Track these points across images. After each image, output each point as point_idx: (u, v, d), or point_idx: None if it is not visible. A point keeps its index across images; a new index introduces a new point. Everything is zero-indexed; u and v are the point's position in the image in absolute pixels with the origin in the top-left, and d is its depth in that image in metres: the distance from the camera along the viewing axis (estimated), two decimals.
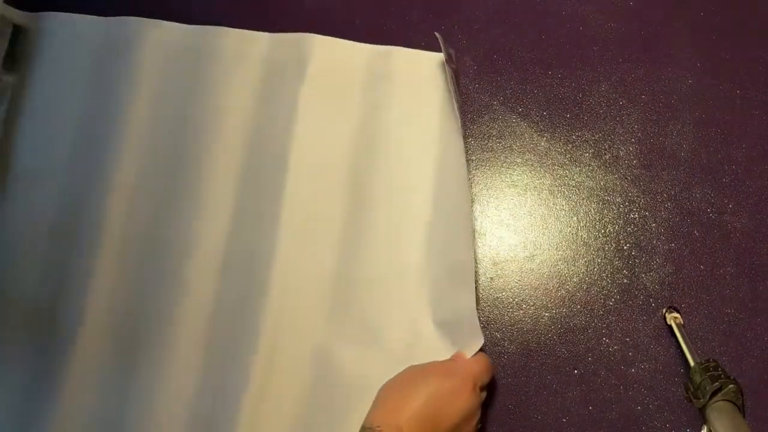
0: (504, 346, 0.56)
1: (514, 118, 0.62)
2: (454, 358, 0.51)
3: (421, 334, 0.54)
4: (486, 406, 0.51)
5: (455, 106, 0.57)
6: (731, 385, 0.47)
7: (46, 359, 0.54)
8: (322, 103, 0.61)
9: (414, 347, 0.54)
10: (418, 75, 0.62)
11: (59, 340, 0.54)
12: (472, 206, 0.59)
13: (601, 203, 0.60)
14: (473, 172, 0.61)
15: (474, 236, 0.59)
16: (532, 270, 0.58)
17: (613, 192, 0.60)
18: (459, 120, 0.57)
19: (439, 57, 0.61)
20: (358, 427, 0.46)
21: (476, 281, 0.57)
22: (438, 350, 0.53)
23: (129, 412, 0.53)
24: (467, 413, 0.47)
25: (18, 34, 0.62)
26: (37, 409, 0.53)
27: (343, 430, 0.52)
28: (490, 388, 0.53)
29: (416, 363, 0.50)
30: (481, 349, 0.51)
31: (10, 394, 0.53)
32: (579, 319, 0.57)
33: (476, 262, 0.57)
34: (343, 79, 0.62)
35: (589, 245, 0.59)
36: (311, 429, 0.53)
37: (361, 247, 0.57)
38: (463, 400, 0.47)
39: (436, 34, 0.58)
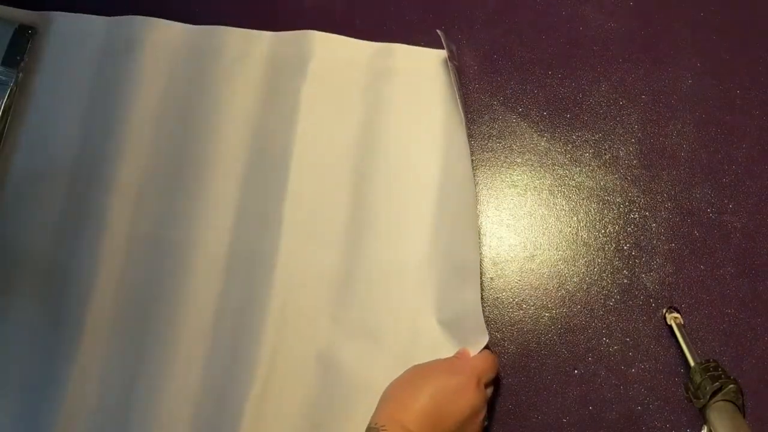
0: (504, 346, 0.56)
1: (514, 118, 0.62)
2: (458, 356, 0.51)
3: (423, 332, 0.54)
4: (488, 404, 0.51)
5: (459, 102, 0.57)
6: (731, 385, 0.47)
7: (49, 359, 0.54)
8: (325, 101, 0.61)
9: (416, 346, 0.54)
10: (420, 72, 0.62)
11: (62, 341, 0.54)
12: (477, 203, 0.59)
13: (601, 203, 0.60)
14: (473, 172, 0.61)
15: (479, 233, 0.58)
16: (532, 270, 0.58)
17: (613, 192, 0.60)
18: (463, 117, 0.57)
19: (441, 54, 0.61)
20: (362, 427, 0.46)
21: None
22: (441, 348, 0.53)
23: (131, 413, 0.53)
24: (472, 410, 0.47)
25: (23, 32, 0.62)
26: (40, 409, 0.53)
27: (347, 430, 0.52)
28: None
29: (419, 362, 0.50)
30: (486, 347, 0.51)
31: (14, 393, 0.53)
32: (579, 319, 0.57)
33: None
34: (345, 77, 0.62)
35: (589, 245, 0.59)
36: (314, 429, 0.53)
37: (363, 246, 0.57)
38: (468, 397, 0.47)
39: (438, 30, 0.58)
